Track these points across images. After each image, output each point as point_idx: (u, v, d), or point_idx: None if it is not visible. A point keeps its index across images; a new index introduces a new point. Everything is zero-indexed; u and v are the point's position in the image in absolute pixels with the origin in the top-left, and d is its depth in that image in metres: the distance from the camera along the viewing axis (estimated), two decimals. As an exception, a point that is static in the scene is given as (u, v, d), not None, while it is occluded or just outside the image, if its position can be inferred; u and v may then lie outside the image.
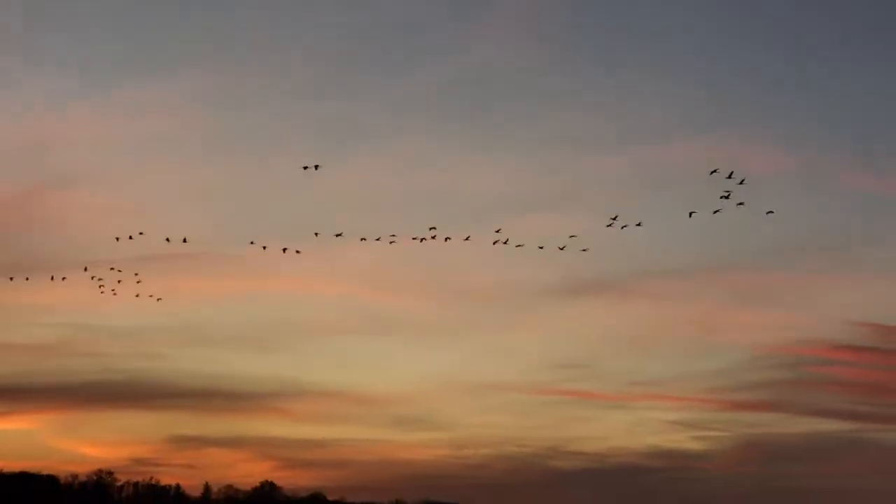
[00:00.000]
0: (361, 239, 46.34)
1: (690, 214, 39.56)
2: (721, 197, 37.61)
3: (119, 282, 50.78)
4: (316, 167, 42.21)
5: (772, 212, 39.35)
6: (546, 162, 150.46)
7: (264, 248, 47.22)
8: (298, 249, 47.14)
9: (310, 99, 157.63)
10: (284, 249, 47.26)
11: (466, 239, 45.88)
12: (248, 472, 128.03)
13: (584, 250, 44.84)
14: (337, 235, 46.36)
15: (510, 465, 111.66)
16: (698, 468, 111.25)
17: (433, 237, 45.37)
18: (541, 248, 45.96)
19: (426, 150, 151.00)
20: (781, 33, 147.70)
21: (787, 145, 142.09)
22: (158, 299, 51.39)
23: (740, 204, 37.30)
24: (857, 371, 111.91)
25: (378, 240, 45.87)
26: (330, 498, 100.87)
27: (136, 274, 50.35)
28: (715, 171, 36.85)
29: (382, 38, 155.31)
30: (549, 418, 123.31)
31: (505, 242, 45.60)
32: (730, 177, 36.87)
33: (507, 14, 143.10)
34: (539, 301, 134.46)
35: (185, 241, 47.22)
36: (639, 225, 41.93)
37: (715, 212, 38.04)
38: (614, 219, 41.66)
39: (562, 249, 45.28)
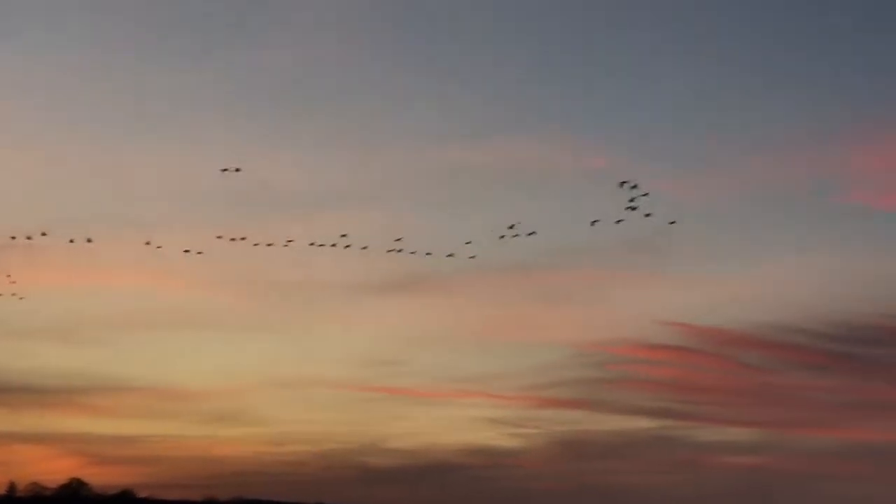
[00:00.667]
0: (239, 239, 45.01)
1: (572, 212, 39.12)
2: (626, 208, 37.68)
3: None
4: (237, 170, 40.64)
5: (674, 222, 39.23)
6: (358, 157, 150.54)
7: (159, 248, 45.99)
8: (200, 251, 45.63)
9: (104, 85, 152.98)
10: (187, 251, 46.19)
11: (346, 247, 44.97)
12: (55, 469, 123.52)
13: (399, 251, 44.96)
14: (219, 238, 44.89)
15: (326, 462, 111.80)
16: (511, 465, 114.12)
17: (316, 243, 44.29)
18: (391, 251, 45.34)
19: (233, 144, 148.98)
20: (603, 40, 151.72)
21: (598, 145, 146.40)
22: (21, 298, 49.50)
23: (648, 215, 37.63)
24: (664, 369, 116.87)
25: (257, 244, 44.84)
26: (140, 495, 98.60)
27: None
28: (624, 182, 37.00)
29: (187, 26, 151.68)
30: (365, 415, 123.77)
31: (364, 248, 44.69)
32: (634, 187, 37.18)
33: (318, 6, 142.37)
34: (357, 297, 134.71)
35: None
36: (532, 234, 41.31)
37: (617, 221, 38.12)
38: (511, 227, 40.99)
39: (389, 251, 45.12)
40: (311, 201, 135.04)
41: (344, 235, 45.59)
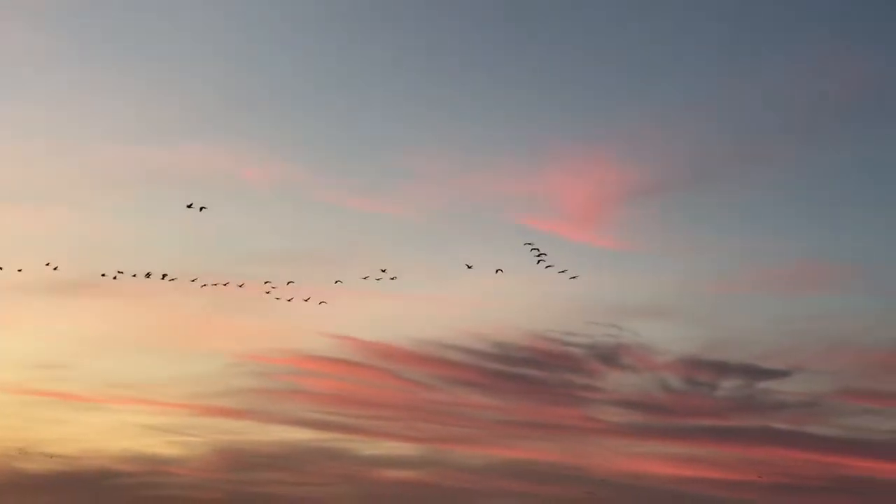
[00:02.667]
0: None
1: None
2: (540, 262, 39.31)
3: None
4: (201, 209, 38.05)
5: (565, 271, 41.41)
6: (25, 154, 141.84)
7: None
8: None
9: None
10: None
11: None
12: None
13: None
14: None
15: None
16: (171, 473, 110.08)
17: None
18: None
19: None
20: (302, 48, 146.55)
21: (272, 155, 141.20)
22: None
23: (549, 266, 39.07)
24: (329, 382, 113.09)
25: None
26: None
27: None
28: (529, 243, 38.52)
29: None
30: (20, 419, 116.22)
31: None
32: (539, 251, 38.86)
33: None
34: (16, 298, 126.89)
35: None
36: (394, 278, 41.42)
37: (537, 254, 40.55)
38: (383, 270, 40.87)
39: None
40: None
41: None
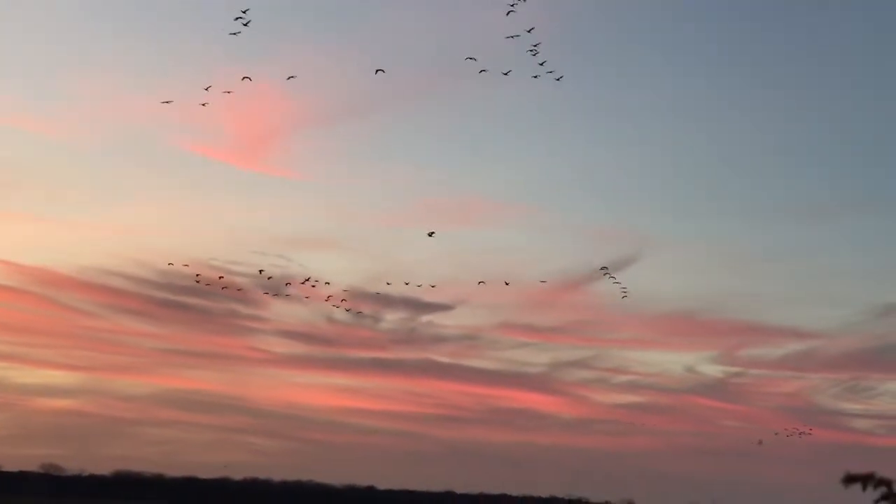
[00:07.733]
0: None
1: None
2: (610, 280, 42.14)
3: None
4: (431, 234, 43.25)
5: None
6: None
7: None
8: None
9: None
10: None
11: None
12: None
13: None
14: None
15: None
16: None
17: None
18: None
19: None
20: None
21: None
22: None
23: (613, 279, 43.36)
24: None
25: None
26: None
27: None
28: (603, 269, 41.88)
29: None
30: None
31: None
32: (607, 269, 42.00)
33: None
34: None
35: None
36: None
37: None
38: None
39: None
40: None
41: None
